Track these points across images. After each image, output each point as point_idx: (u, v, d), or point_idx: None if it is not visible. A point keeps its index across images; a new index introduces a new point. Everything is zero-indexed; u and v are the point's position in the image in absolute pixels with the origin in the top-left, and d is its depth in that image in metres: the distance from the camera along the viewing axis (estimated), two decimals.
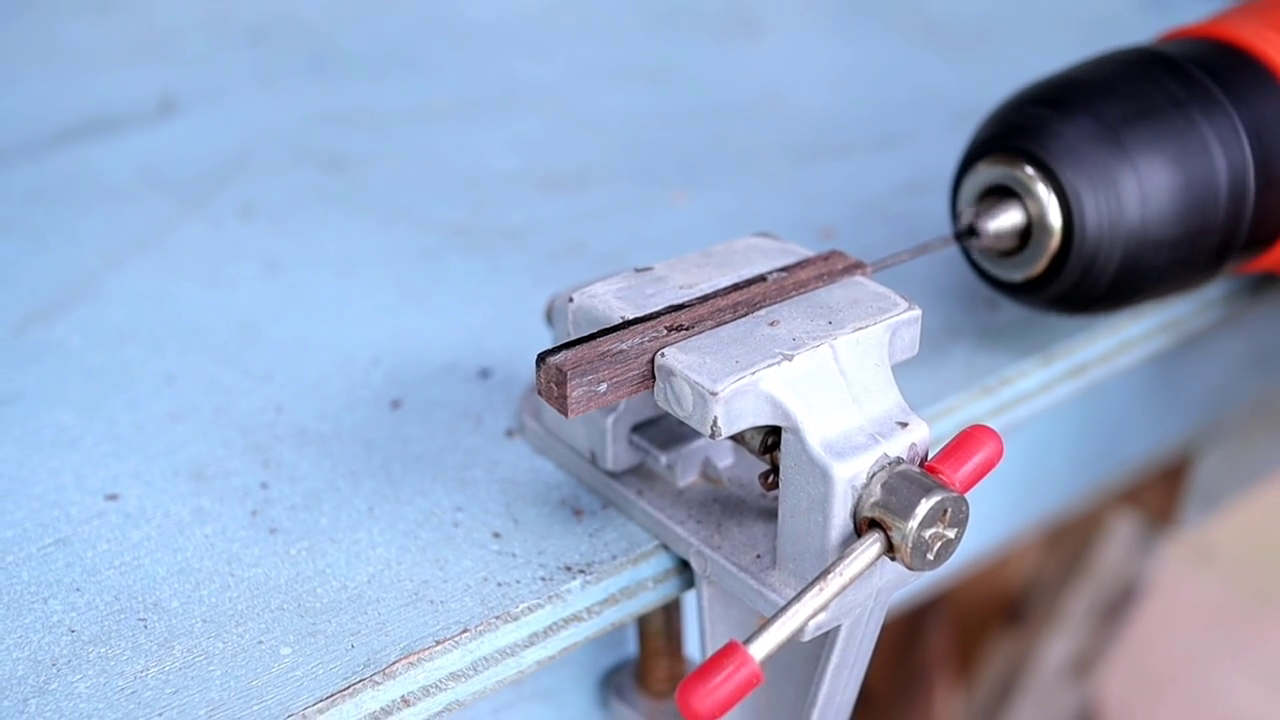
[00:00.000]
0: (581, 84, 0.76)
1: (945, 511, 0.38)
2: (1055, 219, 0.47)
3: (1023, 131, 0.47)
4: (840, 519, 0.38)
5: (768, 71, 0.80)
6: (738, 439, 0.42)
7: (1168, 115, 0.47)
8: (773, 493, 0.41)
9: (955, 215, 0.49)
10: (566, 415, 0.38)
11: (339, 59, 0.79)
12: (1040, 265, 0.48)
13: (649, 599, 0.44)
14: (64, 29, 0.82)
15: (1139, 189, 0.46)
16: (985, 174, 0.48)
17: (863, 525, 0.38)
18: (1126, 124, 0.46)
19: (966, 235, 0.48)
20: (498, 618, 0.41)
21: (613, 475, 0.45)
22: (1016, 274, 0.48)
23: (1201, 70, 0.48)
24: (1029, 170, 0.47)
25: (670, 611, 0.48)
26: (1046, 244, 0.47)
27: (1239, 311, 0.61)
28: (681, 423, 0.43)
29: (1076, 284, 0.47)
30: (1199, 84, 0.48)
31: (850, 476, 0.38)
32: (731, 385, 0.38)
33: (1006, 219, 0.47)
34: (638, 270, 0.43)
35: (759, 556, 0.42)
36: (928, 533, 0.38)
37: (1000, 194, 0.48)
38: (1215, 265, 0.49)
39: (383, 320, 0.55)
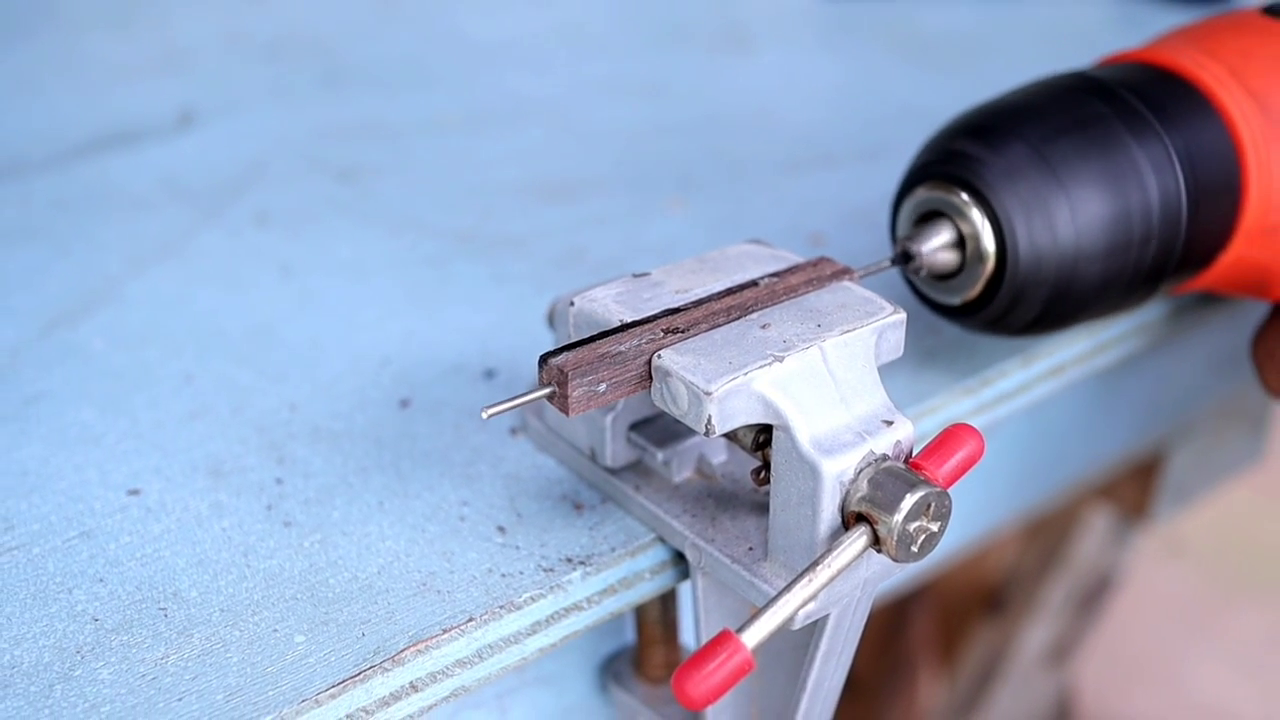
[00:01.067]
0: (581, 98, 0.76)
1: (929, 506, 0.38)
2: (989, 244, 0.45)
3: (957, 158, 0.46)
4: (829, 513, 0.38)
5: (759, 86, 0.80)
6: (731, 436, 0.42)
7: (1100, 140, 0.46)
8: (764, 488, 0.41)
9: (894, 240, 0.48)
10: (568, 414, 0.38)
11: (350, 74, 0.79)
12: (976, 289, 0.46)
13: (646, 589, 0.44)
14: (87, 45, 0.82)
15: (1071, 213, 0.45)
16: (922, 199, 0.47)
17: (850, 519, 0.38)
18: (1059, 149, 0.45)
19: (903, 260, 0.47)
20: (502, 607, 0.41)
21: (611, 471, 0.45)
22: (954, 298, 0.47)
23: (1134, 95, 0.47)
24: (963, 196, 0.46)
25: (666, 601, 0.48)
26: (981, 268, 0.46)
27: (1208, 316, 0.61)
28: (677, 421, 0.43)
29: (1011, 307, 0.46)
30: (1131, 108, 0.47)
31: (838, 472, 0.38)
32: (725, 385, 0.38)
33: (942, 244, 0.46)
34: (635, 276, 0.43)
35: (751, 549, 0.42)
36: (912, 526, 0.38)
37: (937, 219, 0.47)
38: (1150, 287, 0.48)
39: (392, 323, 0.55)
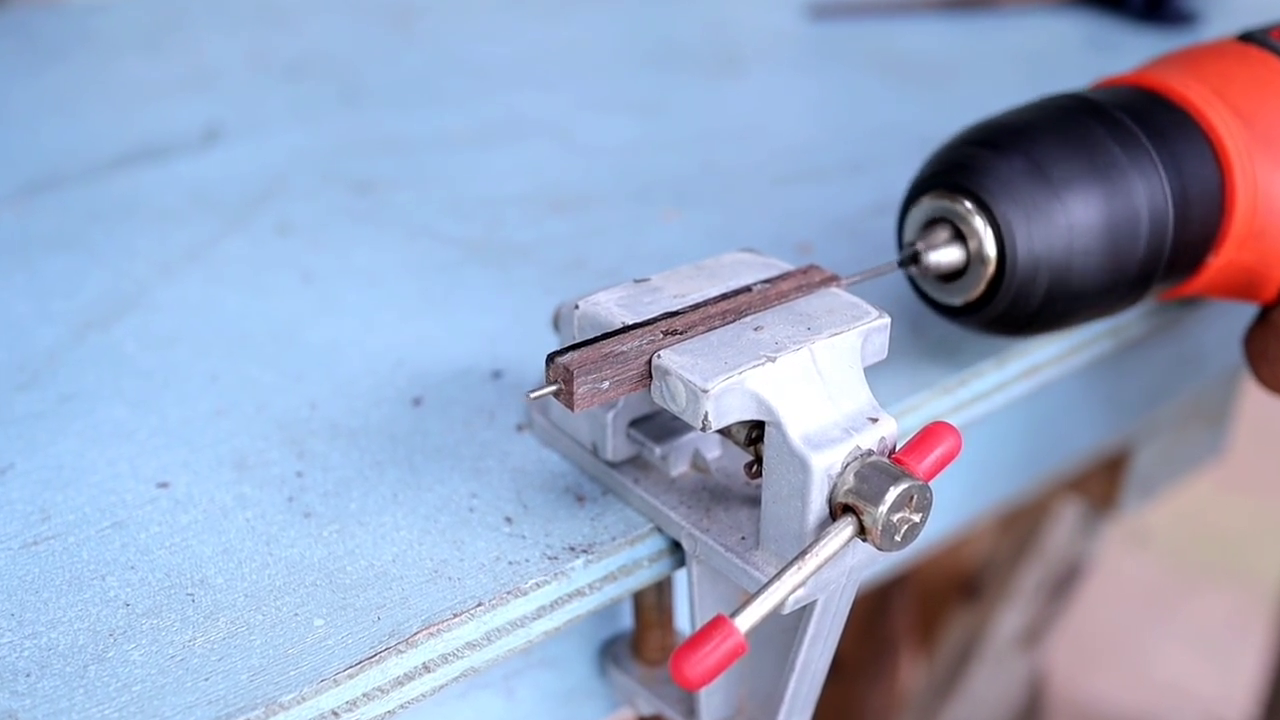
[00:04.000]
0: (583, 116, 0.76)
1: (911, 498, 0.38)
2: (990, 248, 0.46)
3: (962, 169, 0.47)
4: (817, 504, 0.38)
5: (750, 105, 0.80)
6: (725, 432, 0.41)
7: (1091, 152, 0.46)
8: (756, 481, 0.41)
9: (900, 244, 0.49)
10: (573, 410, 0.38)
11: (367, 93, 0.78)
12: (976, 291, 0.47)
13: (644, 576, 0.44)
14: (120, 67, 0.82)
15: (1066, 222, 0.46)
16: (928, 207, 0.48)
17: (837, 510, 0.38)
18: (1055, 163, 0.46)
19: (910, 262, 0.47)
20: (509, 593, 0.41)
21: (612, 465, 0.45)
22: (956, 298, 0.48)
23: (1124, 112, 0.48)
24: (967, 204, 0.46)
25: (663, 588, 0.47)
26: (982, 272, 0.46)
27: (1175, 319, 0.61)
28: (675, 418, 0.43)
29: (1009, 309, 0.47)
30: (1121, 124, 0.47)
31: (826, 466, 0.38)
32: (721, 384, 0.38)
33: (946, 249, 0.47)
34: (636, 281, 0.43)
35: (743, 538, 0.42)
36: (896, 517, 0.37)
37: (942, 225, 0.47)
38: (1138, 292, 0.49)
39: (406, 326, 0.55)
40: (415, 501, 0.45)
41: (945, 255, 0.47)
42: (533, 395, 0.39)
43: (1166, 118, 0.49)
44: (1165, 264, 0.48)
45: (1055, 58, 0.88)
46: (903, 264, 0.47)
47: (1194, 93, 0.49)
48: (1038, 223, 0.45)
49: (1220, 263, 0.50)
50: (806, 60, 0.88)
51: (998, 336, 0.51)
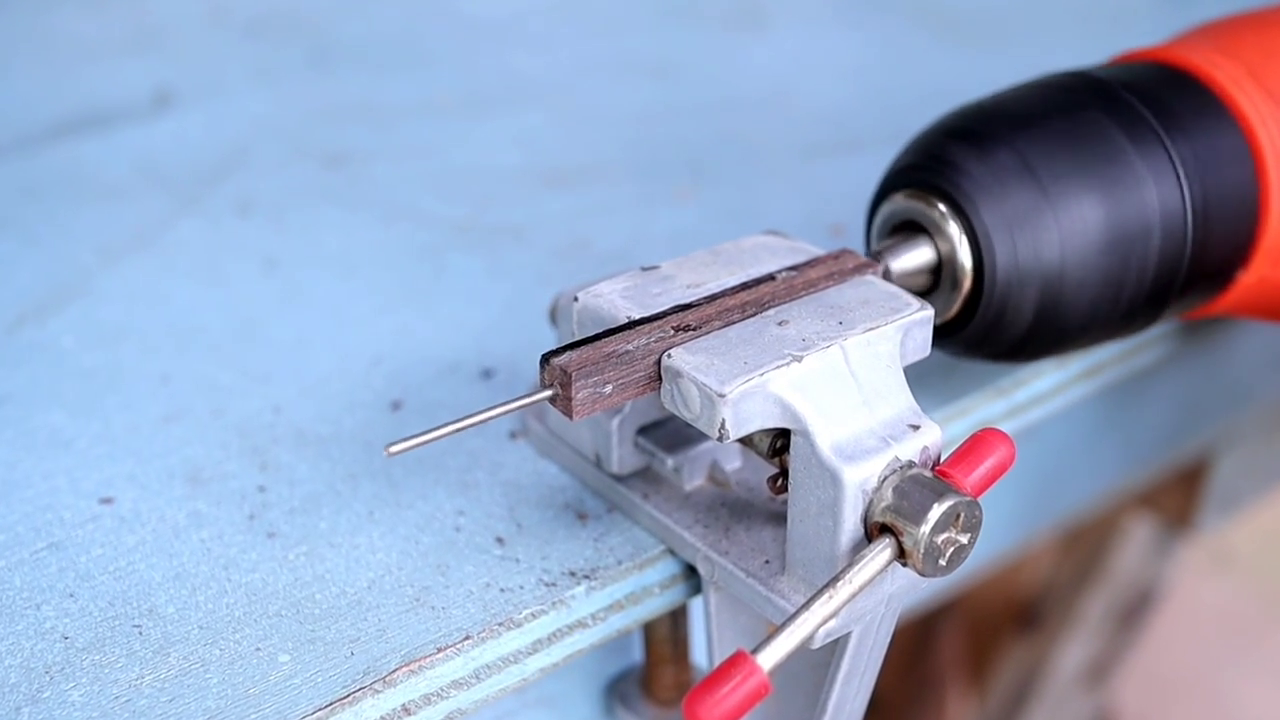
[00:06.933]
0: (585, 78, 0.76)
1: (958, 516, 0.38)
2: (966, 260, 0.44)
3: (937, 165, 0.45)
4: (851, 524, 0.38)
5: (775, 65, 0.80)
6: (746, 442, 0.41)
7: (1093, 148, 0.44)
8: (781, 496, 0.41)
9: (867, 251, 0.47)
10: (571, 418, 0.38)
11: (339, 53, 0.79)
12: (953, 309, 0.45)
13: (655, 605, 0.44)
14: (57, 21, 0.82)
15: (1058, 230, 0.43)
16: (897, 207, 0.46)
17: (873, 530, 0.38)
18: (1047, 159, 0.44)
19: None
20: (500, 624, 0.41)
21: (618, 478, 0.45)
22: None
23: (1137, 96, 0.46)
24: (941, 208, 0.45)
25: (676, 618, 0.47)
26: (958, 287, 0.45)
27: None
28: (688, 425, 0.43)
29: (991, 331, 0.45)
30: (1132, 111, 0.45)
31: (861, 480, 0.38)
32: (740, 387, 0.38)
33: (916, 257, 0.45)
34: (644, 269, 0.43)
35: (767, 562, 0.42)
36: (940, 538, 0.37)
37: (913, 230, 0.46)
38: (1153, 312, 0.47)
39: (383, 320, 0.55)
40: (394, 520, 0.45)
41: (914, 265, 0.45)
42: (392, 450, 0.37)
43: (1188, 102, 0.46)
44: (1184, 279, 0.46)
45: (1129, 13, 0.88)
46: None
47: (1223, 72, 0.47)
48: (1022, 230, 0.44)
49: (1250, 280, 0.48)
50: (841, 12, 0.88)
51: (982, 363, 0.49)
